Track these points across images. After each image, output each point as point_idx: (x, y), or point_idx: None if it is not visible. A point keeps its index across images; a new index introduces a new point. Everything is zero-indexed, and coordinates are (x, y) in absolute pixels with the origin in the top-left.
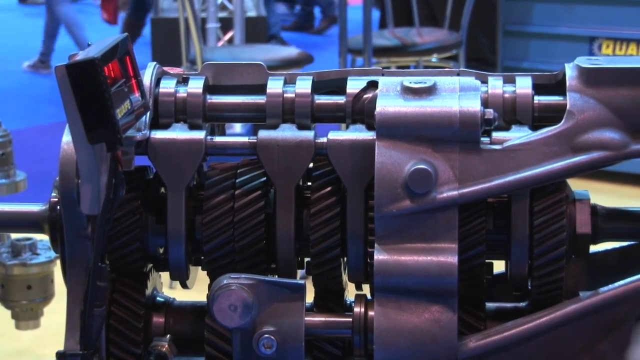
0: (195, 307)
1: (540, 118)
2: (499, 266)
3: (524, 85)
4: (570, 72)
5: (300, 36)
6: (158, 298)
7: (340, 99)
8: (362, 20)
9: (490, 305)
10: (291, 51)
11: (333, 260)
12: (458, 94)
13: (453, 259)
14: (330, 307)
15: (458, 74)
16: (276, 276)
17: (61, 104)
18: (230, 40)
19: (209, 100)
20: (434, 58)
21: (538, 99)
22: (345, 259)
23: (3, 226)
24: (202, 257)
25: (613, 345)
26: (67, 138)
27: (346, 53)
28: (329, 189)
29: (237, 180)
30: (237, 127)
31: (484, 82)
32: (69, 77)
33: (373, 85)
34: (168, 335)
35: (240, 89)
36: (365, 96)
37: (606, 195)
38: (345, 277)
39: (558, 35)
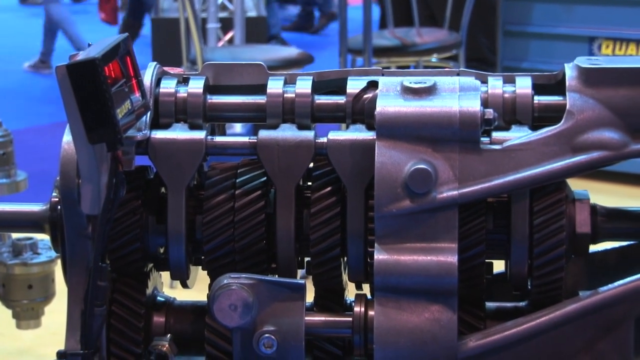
0: (196, 306)
1: (540, 118)
2: (498, 266)
3: (523, 85)
4: (570, 72)
5: (301, 36)
6: (158, 298)
7: (340, 99)
8: (362, 20)
9: (490, 304)
10: (291, 51)
11: (333, 260)
12: (458, 94)
13: (453, 259)
14: (330, 306)
15: (458, 74)
16: (276, 276)
17: (62, 104)
18: (231, 41)
19: (210, 100)
20: (433, 58)
21: (538, 99)
22: (345, 258)
23: (4, 226)
24: (203, 257)
25: (612, 344)
26: (67, 138)
27: (346, 53)
28: (329, 188)
29: (237, 180)
30: (238, 127)
31: (484, 82)
32: (70, 77)
33: (373, 85)
34: (168, 335)
35: (241, 89)
36: (365, 96)
37: (606, 195)
38: (345, 277)
39: (558, 36)
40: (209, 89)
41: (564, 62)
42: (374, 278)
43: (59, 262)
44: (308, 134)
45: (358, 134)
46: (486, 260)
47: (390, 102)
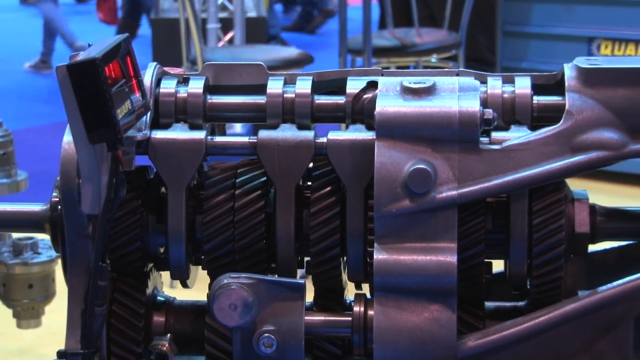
0: (196, 306)
1: (539, 118)
2: (498, 265)
3: (523, 85)
4: (569, 72)
5: (301, 37)
6: (158, 297)
7: (340, 99)
8: (361, 20)
9: (489, 304)
10: (291, 51)
11: (333, 260)
12: (457, 94)
13: (452, 259)
14: (330, 306)
15: (457, 74)
16: (276, 275)
17: (62, 104)
18: (231, 41)
19: (210, 101)
20: (433, 58)
21: (537, 99)
22: (345, 258)
23: (4, 226)
24: (203, 257)
25: (611, 344)
26: (68, 138)
27: (346, 53)
28: (328, 188)
29: (237, 180)
30: (238, 127)
31: (483, 82)
32: (70, 77)
33: (373, 85)
34: (168, 335)
35: (241, 89)
36: (365, 96)
37: (605, 195)
38: (345, 277)
39: (557, 36)
40: (209, 89)
41: (563, 62)
42: (374, 278)
43: (59, 261)
44: (308, 134)
45: (358, 134)
46: (485, 260)
47: (389, 102)
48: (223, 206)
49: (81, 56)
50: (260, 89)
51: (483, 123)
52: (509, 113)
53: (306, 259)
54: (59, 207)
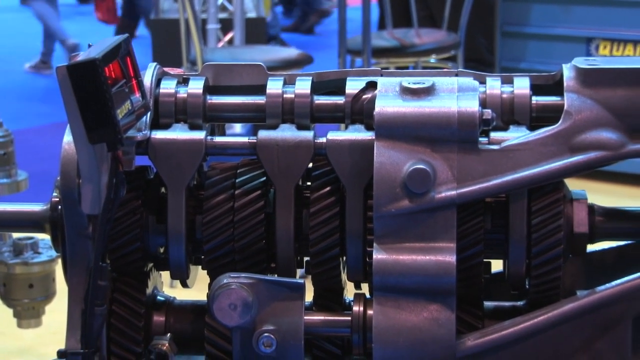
0: (196, 306)
1: (538, 118)
2: (497, 265)
3: (521, 85)
4: (567, 72)
5: (300, 37)
6: (158, 297)
7: (339, 100)
8: (361, 21)
9: (488, 304)
10: (291, 52)
11: (332, 260)
12: (456, 95)
13: (451, 258)
14: (329, 306)
15: (456, 75)
16: (276, 275)
17: (62, 105)
18: (231, 41)
19: (209, 101)
20: (432, 59)
21: (536, 99)
22: (344, 258)
23: (5, 226)
24: (202, 257)
25: (610, 344)
26: (68, 138)
27: (345, 54)
28: (328, 188)
29: (237, 180)
30: (237, 127)
31: (482, 82)
32: (70, 77)
33: (372, 85)
34: (168, 334)
35: (240, 89)
36: (364, 96)
37: (604, 195)
38: (344, 276)
39: (555, 36)
40: (209, 89)
41: (562, 62)
42: (373, 277)
43: (59, 261)
44: (307, 134)
45: (357, 134)
46: (484, 260)
47: (389, 102)
48: (223, 206)
49: (81, 56)
50: (260, 89)
51: (482, 123)
52: (508, 113)
53: (306, 258)
54: (59, 207)
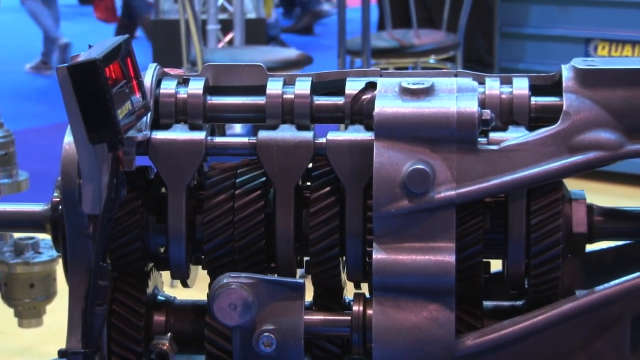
0: (196, 305)
1: (536, 119)
2: (496, 265)
3: (520, 86)
4: (566, 73)
5: (300, 38)
6: (159, 297)
7: (339, 100)
8: (360, 21)
9: (487, 303)
10: (291, 53)
11: (332, 259)
12: (456, 95)
13: (451, 258)
14: (329, 305)
15: (455, 75)
16: (276, 275)
17: (63, 105)
18: (231, 42)
19: (209, 101)
20: (431, 59)
21: (535, 99)
22: (344, 258)
23: (6, 226)
24: (203, 256)
25: (609, 343)
26: (68, 138)
27: (345, 54)
28: (328, 188)
29: (237, 180)
30: (237, 127)
31: (481, 83)
32: (71, 78)
33: (371, 86)
34: (169, 334)
35: (240, 90)
36: (363, 97)
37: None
38: (344, 276)
39: (554, 37)
40: (209, 89)
41: (561, 63)
42: (373, 277)
43: (60, 261)
44: (307, 135)
45: (357, 134)
46: (483, 260)
47: (388, 102)
48: (223, 206)
49: (82, 57)
50: (260, 90)
51: (481, 123)
52: (507, 113)
53: (305, 258)
54: (60, 207)
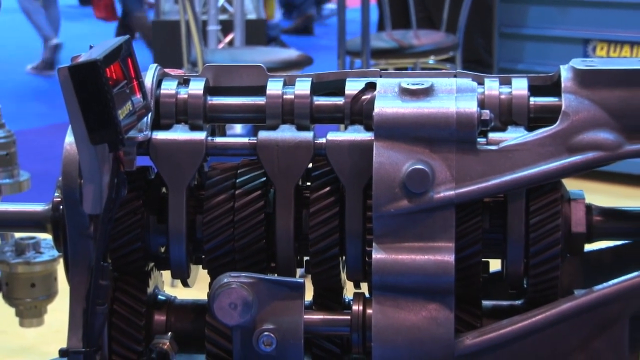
0: (196, 305)
1: (535, 119)
2: (495, 265)
3: (519, 86)
4: (565, 73)
5: (300, 39)
6: (159, 296)
7: (339, 100)
8: (360, 22)
9: (486, 303)
10: (291, 53)
11: (332, 259)
12: (455, 95)
13: (450, 258)
14: (329, 305)
15: (455, 76)
16: (276, 275)
17: (64, 106)
18: (231, 43)
19: (210, 102)
20: (431, 60)
21: (534, 100)
22: (343, 257)
23: (7, 225)
24: (203, 256)
25: (607, 343)
26: (69, 139)
27: (345, 55)
28: (327, 188)
29: (237, 180)
30: (238, 128)
31: (481, 83)
32: (72, 78)
33: (371, 86)
34: (169, 333)
35: (241, 90)
36: (363, 97)
37: (601, 195)
38: (343, 276)
39: (553, 38)
40: (209, 90)
41: (559, 63)
42: (372, 277)
43: (61, 261)
44: (307, 135)
45: (356, 134)
46: (482, 259)
47: (388, 103)
48: (223, 206)
49: (83, 58)
50: (260, 90)
51: (480, 124)
52: (506, 114)
53: (305, 258)
54: (61, 207)
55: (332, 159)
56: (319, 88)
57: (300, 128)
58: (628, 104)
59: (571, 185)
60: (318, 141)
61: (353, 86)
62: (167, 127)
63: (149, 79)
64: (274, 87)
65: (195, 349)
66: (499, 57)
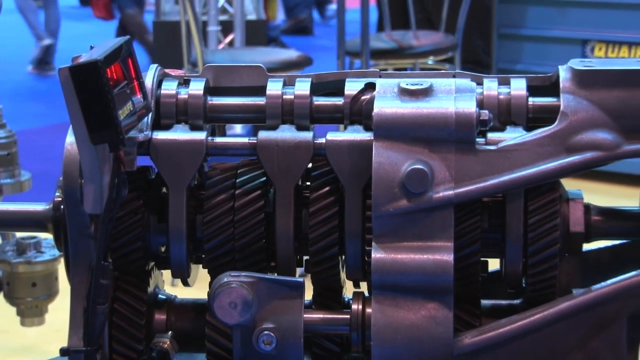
0: (196, 304)
1: (534, 119)
2: (494, 264)
3: (518, 86)
4: (563, 74)
5: (300, 39)
6: (160, 295)
7: (338, 101)
8: (359, 23)
9: (485, 302)
10: (290, 54)
11: (331, 259)
12: (454, 96)
13: (449, 257)
14: (328, 304)
15: (454, 76)
16: (275, 274)
17: (64, 106)
18: (231, 43)
19: (210, 102)
20: (430, 60)
21: (532, 100)
22: (343, 257)
23: (8, 225)
24: (203, 256)
25: (605, 342)
26: (70, 139)
27: (344, 55)
28: (327, 188)
29: (237, 180)
30: (238, 128)
31: (479, 83)
32: (72, 79)
33: (371, 86)
34: (170, 332)
35: (241, 90)
36: (363, 97)
37: (599, 195)
38: (343, 275)
39: (551, 38)
40: (210, 90)
41: (558, 64)
42: (372, 276)
43: (62, 260)
44: (307, 135)
45: (356, 134)
46: (481, 259)
47: (387, 103)
48: (223, 206)
49: (83, 58)
50: (260, 91)
51: (479, 124)
52: (505, 114)
53: (305, 257)
54: (62, 206)
55: (331, 159)
56: (318, 88)
57: (300, 128)
58: (626, 104)
59: (570, 185)
60: (318, 141)
61: (352, 86)
62: (167, 127)
63: (149, 80)
64: (274, 87)
65: (196, 348)
66: (498, 57)
